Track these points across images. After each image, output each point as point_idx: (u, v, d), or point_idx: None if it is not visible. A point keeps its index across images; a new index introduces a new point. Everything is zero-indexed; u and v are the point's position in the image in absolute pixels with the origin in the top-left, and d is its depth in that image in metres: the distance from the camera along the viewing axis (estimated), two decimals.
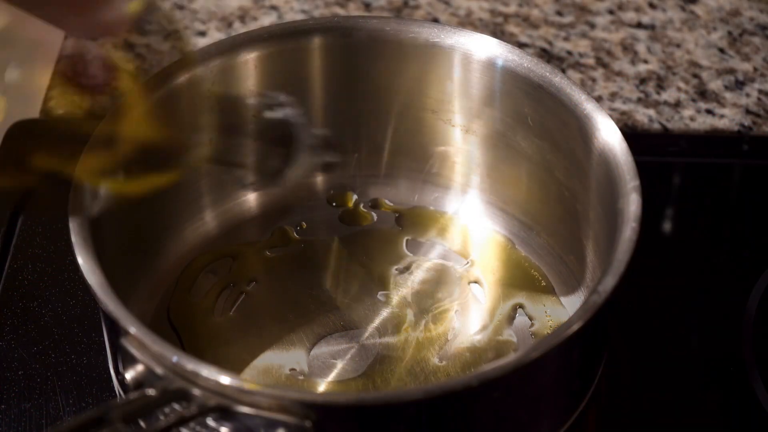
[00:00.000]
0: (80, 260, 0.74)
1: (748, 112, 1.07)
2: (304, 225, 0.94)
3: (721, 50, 1.10)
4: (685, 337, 0.91)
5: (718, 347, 0.89)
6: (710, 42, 1.10)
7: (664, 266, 0.95)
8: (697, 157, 1.05)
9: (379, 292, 0.88)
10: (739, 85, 1.09)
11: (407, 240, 0.93)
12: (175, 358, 0.68)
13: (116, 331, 0.72)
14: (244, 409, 0.68)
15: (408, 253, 0.91)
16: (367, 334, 0.85)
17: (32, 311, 0.89)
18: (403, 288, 0.87)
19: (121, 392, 0.77)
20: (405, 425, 0.70)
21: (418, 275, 0.89)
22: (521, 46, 1.11)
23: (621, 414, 0.85)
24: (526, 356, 0.69)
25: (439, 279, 0.89)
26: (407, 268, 0.90)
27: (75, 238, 0.75)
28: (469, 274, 0.90)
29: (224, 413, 0.68)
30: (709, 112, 1.07)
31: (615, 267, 0.73)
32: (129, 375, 0.72)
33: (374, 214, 0.94)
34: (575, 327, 0.70)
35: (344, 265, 0.90)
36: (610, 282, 0.72)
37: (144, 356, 0.70)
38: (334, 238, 0.92)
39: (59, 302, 0.90)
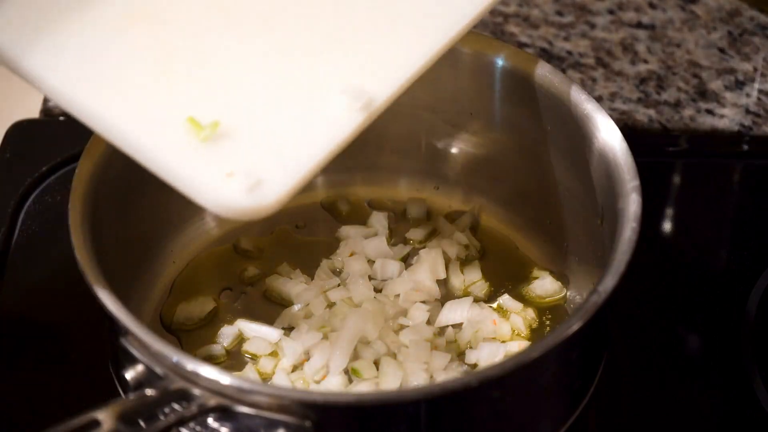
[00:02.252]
0: (80, 260, 0.73)
1: (748, 112, 1.07)
2: (304, 224, 0.94)
3: (721, 50, 1.10)
4: (685, 337, 0.91)
5: (718, 347, 0.89)
6: (710, 42, 1.10)
7: (664, 266, 0.95)
8: (697, 157, 1.05)
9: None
10: (739, 85, 1.09)
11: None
12: (175, 358, 0.68)
13: (116, 331, 0.72)
14: (244, 409, 0.68)
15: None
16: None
17: (32, 311, 0.89)
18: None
19: (121, 392, 0.77)
20: (405, 425, 0.70)
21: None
22: (521, 46, 1.11)
23: (621, 414, 0.85)
24: (526, 356, 0.69)
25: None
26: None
27: (75, 239, 0.75)
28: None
29: (224, 413, 0.68)
30: (709, 112, 1.07)
31: (615, 267, 0.73)
32: (129, 375, 0.72)
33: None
34: (575, 327, 0.70)
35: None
36: (610, 282, 0.72)
37: (144, 356, 0.70)
38: (333, 236, 0.92)
39: (59, 302, 0.90)
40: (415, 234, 0.93)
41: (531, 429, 0.77)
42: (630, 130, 1.05)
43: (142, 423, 0.71)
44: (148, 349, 0.69)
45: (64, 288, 0.90)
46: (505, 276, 0.90)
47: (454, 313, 0.86)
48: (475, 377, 0.68)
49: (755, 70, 1.10)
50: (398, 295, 0.87)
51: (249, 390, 0.68)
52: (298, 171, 0.70)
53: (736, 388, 0.86)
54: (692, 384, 0.87)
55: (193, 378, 0.68)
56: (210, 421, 0.69)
